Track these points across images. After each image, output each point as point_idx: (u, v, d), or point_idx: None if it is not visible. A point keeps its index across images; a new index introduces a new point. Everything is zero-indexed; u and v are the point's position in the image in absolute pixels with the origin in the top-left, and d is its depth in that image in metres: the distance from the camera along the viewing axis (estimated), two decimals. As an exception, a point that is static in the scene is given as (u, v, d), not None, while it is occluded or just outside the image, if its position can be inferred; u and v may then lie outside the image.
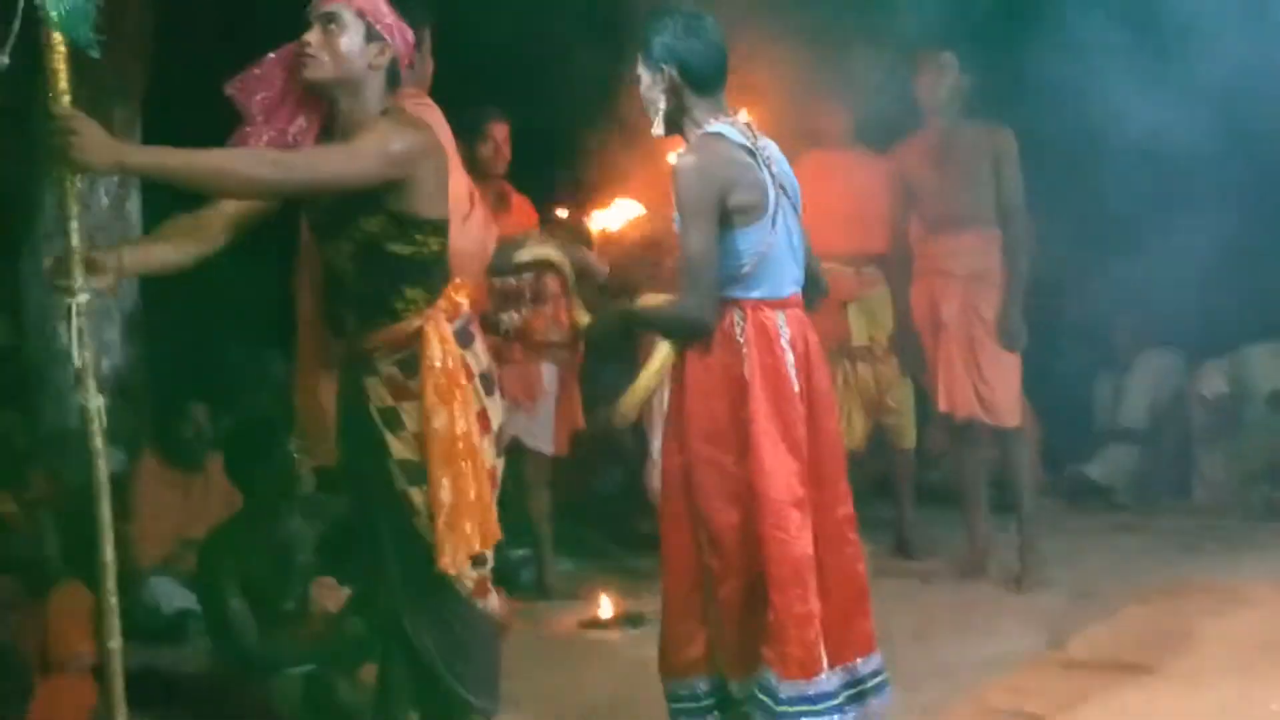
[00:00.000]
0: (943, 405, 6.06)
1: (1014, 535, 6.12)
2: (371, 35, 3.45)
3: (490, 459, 3.63)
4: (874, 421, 6.68)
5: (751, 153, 3.69)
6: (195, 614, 5.40)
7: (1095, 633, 5.23)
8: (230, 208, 3.51)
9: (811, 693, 3.54)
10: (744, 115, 3.82)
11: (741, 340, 3.66)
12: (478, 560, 3.61)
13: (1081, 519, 7.42)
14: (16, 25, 2.71)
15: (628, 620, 5.68)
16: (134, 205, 6.78)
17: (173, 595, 5.73)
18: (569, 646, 5.47)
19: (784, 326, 3.69)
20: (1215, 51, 5.95)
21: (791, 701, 3.51)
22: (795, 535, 3.55)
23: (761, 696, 3.57)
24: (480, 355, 3.64)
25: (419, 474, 3.49)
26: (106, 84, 6.36)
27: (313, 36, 3.42)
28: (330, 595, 5.11)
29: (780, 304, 3.72)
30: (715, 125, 3.70)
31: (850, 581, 3.72)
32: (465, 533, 3.49)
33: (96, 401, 3.15)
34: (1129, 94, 6.11)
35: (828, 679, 3.56)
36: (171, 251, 3.53)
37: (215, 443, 6.19)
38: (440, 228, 3.53)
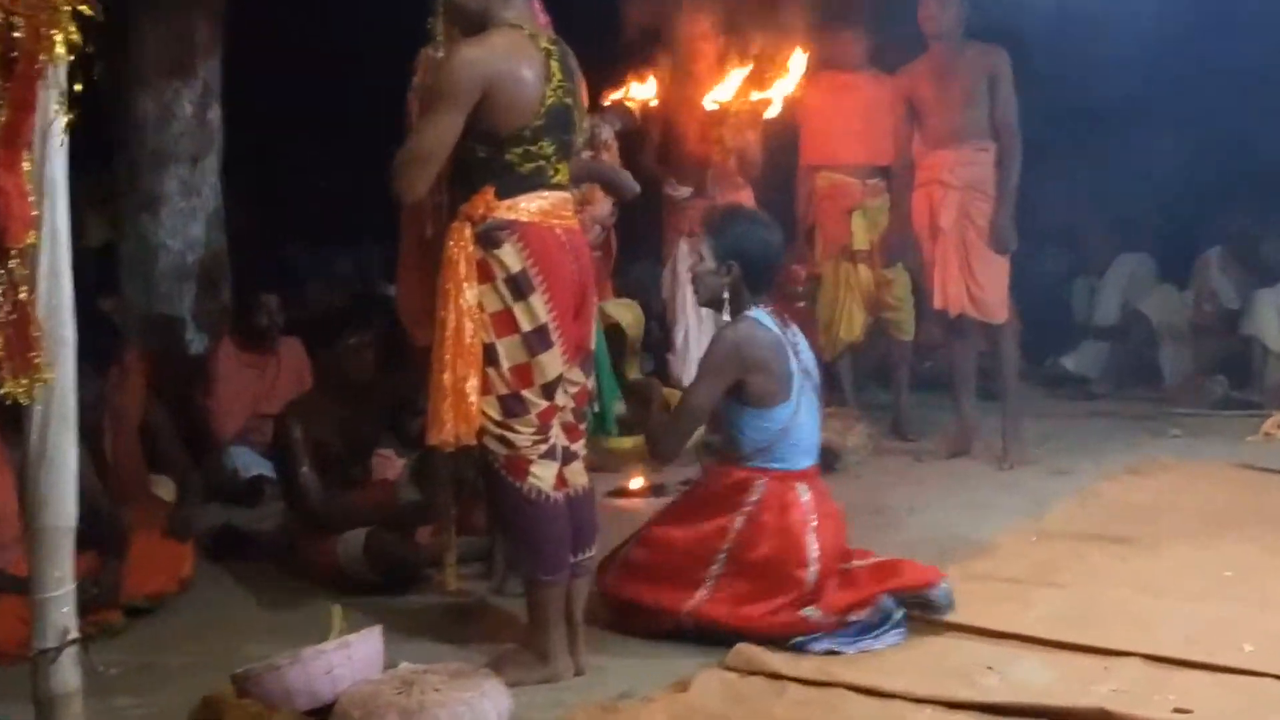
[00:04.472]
0: (938, 302, 6.00)
1: (998, 419, 6.09)
2: None
3: (514, 357, 3.46)
4: (874, 316, 6.66)
5: (780, 342, 3.90)
6: (270, 479, 5.47)
7: (1069, 506, 5.23)
8: None
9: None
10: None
11: (756, 506, 3.84)
12: (503, 440, 3.49)
13: (1058, 405, 7.41)
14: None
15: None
16: (215, 115, 6.72)
17: (250, 462, 5.78)
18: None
19: (805, 496, 3.86)
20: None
21: None
22: None
23: None
24: (511, 258, 3.44)
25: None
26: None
27: None
28: (389, 465, 5.11)
29: (800, 475, 3.90)
30: (754, 312, 3.92)
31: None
32: (439, 415, 3.40)
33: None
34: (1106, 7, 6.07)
35: None
36: None
37: (286, 328, 6.21)
38: (488, 137, 3.46)
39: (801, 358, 3.97)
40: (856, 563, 3.94)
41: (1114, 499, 5.33)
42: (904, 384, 6.77)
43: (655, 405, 4.13)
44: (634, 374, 4.61)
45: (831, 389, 7.14)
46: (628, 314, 4.76)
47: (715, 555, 3.84)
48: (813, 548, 3.82)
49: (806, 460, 3.97)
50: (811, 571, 3.80)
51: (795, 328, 4.04)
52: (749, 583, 3.80)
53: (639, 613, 3.89)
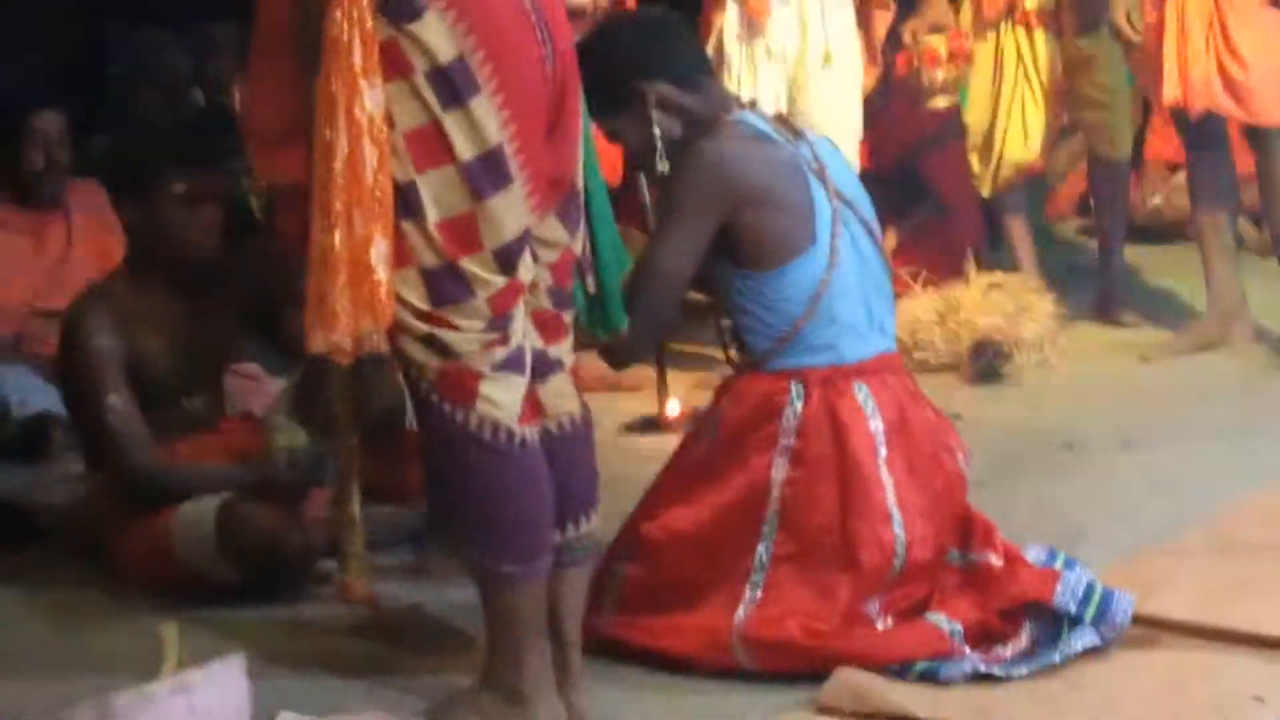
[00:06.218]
0: (1168, 93, 5.98)
1: None
2: None
3: (449, 204, 3.49)
4: (1064, 120, 6.64)
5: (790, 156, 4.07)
6: (60, 417, 5.51)
7: None
8: None
9: None
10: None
11: (797, 434, 3.94)
12: (432, 344, 3.52)
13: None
14: None
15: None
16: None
17: (26, 391, 5.85)
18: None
19: (867, 404, 3.96)
20: None
21: None
22: None
23: None
24: (438, 37, 3.44)
25: None
26: None
27: None
28: (254, 391, 5.12)
29: (856, 370, 4.01)
30: (739, 114, 4.15)
31: None
32: (327, 305, 3.43)
33: None
34: None
35: None
36: None
37: (80, 168, 6.24)
38: None
39: (831, 177, 4.04)
40: (988, 555, 3.97)
41: None
42: (1118, 233, 6.82)
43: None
44: None
45: (993, 244, 7.17)
46: None
47: (757, 532, 3.90)
48: (889, 489, 3.88)
49: (865, 344, 4.02)
50: (898, 532, 3.85)
51: (813, 134, 4.12)
52: (820, 566, 3.84)
53: (661, 662, 3.93)
